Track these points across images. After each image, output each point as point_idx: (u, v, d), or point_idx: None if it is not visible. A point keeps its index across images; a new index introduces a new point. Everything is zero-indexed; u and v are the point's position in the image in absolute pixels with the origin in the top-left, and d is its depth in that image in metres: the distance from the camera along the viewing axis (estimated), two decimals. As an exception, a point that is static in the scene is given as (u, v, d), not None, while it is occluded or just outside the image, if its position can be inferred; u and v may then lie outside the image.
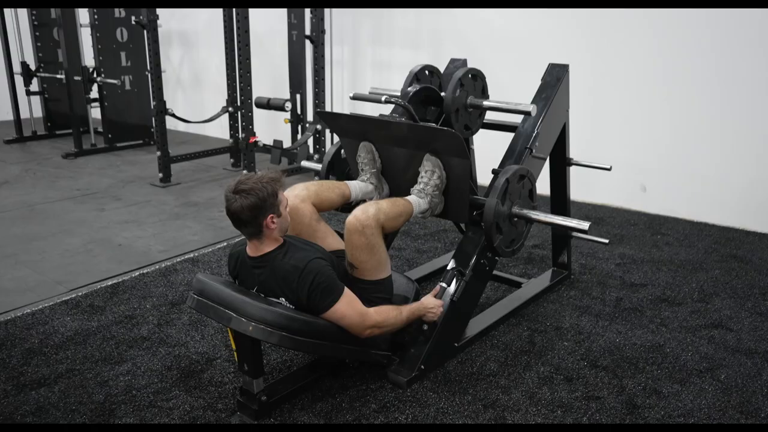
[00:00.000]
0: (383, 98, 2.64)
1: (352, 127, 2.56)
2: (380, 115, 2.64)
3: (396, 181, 2.57)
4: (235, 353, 2.09)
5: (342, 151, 2.75)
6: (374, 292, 2.21)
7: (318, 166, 2.80)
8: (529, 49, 4.65)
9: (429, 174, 2.38)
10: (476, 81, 2.76)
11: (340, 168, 2.78)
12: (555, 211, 3.15)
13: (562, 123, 2.85)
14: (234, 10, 4.09)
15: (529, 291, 3.02)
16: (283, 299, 2.03)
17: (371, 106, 4.36)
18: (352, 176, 2.71)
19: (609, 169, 2.89)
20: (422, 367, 2.31)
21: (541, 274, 3.27)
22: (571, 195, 4.64)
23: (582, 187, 4.65)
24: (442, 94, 2.77)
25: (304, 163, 3.02)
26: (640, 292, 3.12)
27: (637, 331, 2.73)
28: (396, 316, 2.18)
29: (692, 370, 2.42)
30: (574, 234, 3.16)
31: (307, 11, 4.92)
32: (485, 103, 2.73)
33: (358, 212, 2.16)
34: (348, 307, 2.02)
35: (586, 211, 4.44)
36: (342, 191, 2.45)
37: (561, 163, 3.01)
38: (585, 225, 2.30)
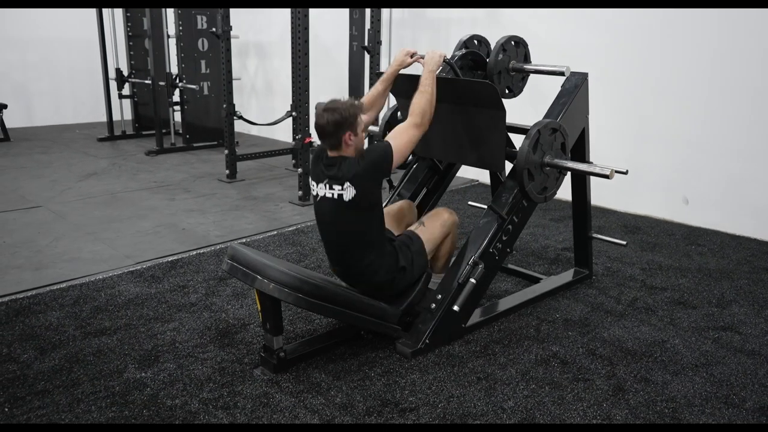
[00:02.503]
0: None
1: (404, 86, 2.86)
2: None
3: (441, 135, 2.88)
4: (260, 313, 2.41)
5: (398, 113, 3.09)
6: (414, 248, 2.60)
7: (376, 129, 3.15)
8: (575, 60, 4.79)
9: None
10: (518, 48, 3.08)
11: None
12: (576, 214, 3.31)
13: (581, 128, 3.03)
14: (297, 21, 4.48)
15: (545, 286, 3.19)
16: (347, 183, 2.37)
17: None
18: None
19: (625, 173, 3.01)
20: (427, 341, 2.55)
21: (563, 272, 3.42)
22: (613, 205, 4.79)
23: (625, 198, 4.75)
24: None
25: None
26: (658, 294, 3.22)
27: (644, 327, 2.85)
28: (422, 96, 2.53)
29: (688, 365, 2.53)
30: (594, 235, 3.30)
31: (367, 24, 5.27)
32: (525, 66, 3.05)
33: (454, 215, 2.84)
34: (394, 140, 2.46)
35: (626, 220, 4.52)
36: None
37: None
38: (607, 171, 2.52)
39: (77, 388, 2.28)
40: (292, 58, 5.84)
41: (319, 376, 2.38)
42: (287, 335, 2.71)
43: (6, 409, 2.15)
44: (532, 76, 3.39)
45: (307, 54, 4.56)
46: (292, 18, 5.69)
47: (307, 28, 4.52)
